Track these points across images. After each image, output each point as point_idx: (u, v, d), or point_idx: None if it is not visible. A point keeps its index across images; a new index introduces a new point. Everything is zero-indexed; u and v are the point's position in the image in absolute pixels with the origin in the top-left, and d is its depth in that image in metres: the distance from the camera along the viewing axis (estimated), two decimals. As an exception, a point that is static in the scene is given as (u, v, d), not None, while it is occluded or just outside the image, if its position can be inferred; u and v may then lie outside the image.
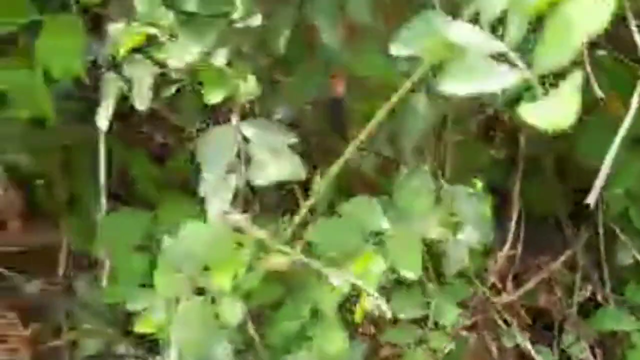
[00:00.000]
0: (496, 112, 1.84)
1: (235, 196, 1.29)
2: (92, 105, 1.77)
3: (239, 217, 1.24)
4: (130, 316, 1.80)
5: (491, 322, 1.79)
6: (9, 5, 1.56)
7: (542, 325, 1.91)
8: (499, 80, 0.88)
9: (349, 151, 1.21)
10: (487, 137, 1.89)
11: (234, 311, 1.19)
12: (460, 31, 0.94)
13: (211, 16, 1.36)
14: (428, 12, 1.00)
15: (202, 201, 1.81)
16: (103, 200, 1.55)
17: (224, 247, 1.20)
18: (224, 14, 1.35)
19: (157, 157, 1.92)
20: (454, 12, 1.13)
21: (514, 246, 1.67)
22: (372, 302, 1.15)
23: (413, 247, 1.26)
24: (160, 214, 1.76)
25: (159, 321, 1.23)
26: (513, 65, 0.91)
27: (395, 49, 1.00)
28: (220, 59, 1.37)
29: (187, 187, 1.94)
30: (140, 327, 1.26)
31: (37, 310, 1.91)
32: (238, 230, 1.23)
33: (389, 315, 1.16)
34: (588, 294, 1.88)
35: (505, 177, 1.96)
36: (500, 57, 0.94)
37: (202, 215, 1.67)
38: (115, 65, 1.49)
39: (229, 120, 1.44)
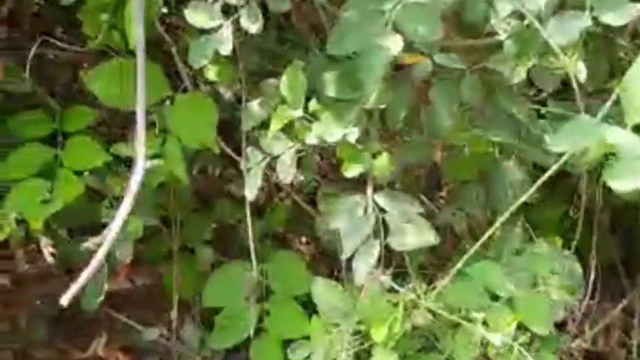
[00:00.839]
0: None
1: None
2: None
3: (384, 278, 1.43)
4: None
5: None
6: (151, 83, 1.75)
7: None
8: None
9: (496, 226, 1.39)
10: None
11: (388, 361, 1.39)
12: (614, 134, 1.15)
13: (349, 101, 1.55)
14: (580, 116, 1.21)
15: (313, 257, 2.02)
16: (253, 259, 1.73)
17: (379, 305, 1.39)
18: (359, 97, 1.54)
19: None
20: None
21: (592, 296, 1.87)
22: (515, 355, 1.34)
23: (540, 307, 1.47)
24: (268, 267, 1.94)
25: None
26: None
27: (554, 146, 1.20)
28: (353, 137, 1.57)
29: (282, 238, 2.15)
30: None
31: (147, 352, 2.09)
32: (386, 289, 1.42)
33: (531, 367, 1.36)
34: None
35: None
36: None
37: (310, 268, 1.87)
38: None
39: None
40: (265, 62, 1.81)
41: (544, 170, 1.94)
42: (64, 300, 0.99)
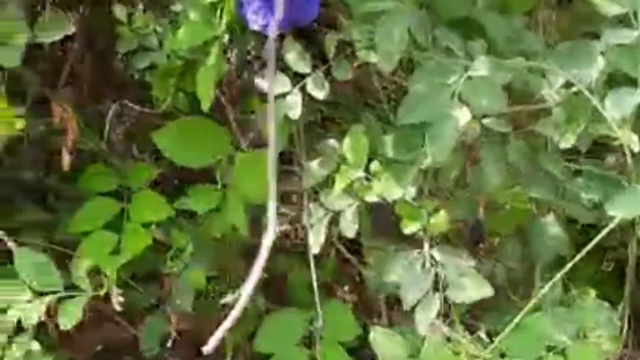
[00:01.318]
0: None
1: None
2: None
3: (445, 329, 1.54)
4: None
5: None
6: (214, 142, 1.88)
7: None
8: None
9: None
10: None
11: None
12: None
13: (407, 162, 1.66)
14: (636, 186, 1.34)
15: (355, 306, 2.12)
16: (318, 307, 1.84)
17: (442, 354, 1.50)
18: (416, 158, 1.65)
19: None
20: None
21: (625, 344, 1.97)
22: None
23: (591, 357, 1.58)
24: (321, 316, 2.04)
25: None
26: None
27: (612, 211, 1.32)
28: (410, 195, 1.68)
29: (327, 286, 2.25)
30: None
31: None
32: (447, 339, 1.53)
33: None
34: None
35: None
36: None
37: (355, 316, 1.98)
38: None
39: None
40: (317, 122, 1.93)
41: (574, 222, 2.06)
42: (207, 348, 1.10)
